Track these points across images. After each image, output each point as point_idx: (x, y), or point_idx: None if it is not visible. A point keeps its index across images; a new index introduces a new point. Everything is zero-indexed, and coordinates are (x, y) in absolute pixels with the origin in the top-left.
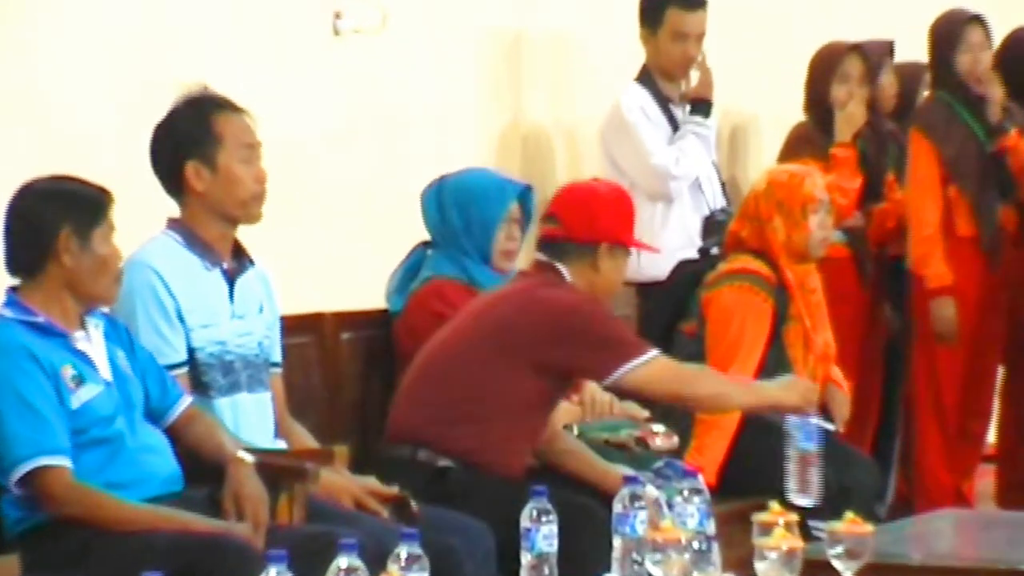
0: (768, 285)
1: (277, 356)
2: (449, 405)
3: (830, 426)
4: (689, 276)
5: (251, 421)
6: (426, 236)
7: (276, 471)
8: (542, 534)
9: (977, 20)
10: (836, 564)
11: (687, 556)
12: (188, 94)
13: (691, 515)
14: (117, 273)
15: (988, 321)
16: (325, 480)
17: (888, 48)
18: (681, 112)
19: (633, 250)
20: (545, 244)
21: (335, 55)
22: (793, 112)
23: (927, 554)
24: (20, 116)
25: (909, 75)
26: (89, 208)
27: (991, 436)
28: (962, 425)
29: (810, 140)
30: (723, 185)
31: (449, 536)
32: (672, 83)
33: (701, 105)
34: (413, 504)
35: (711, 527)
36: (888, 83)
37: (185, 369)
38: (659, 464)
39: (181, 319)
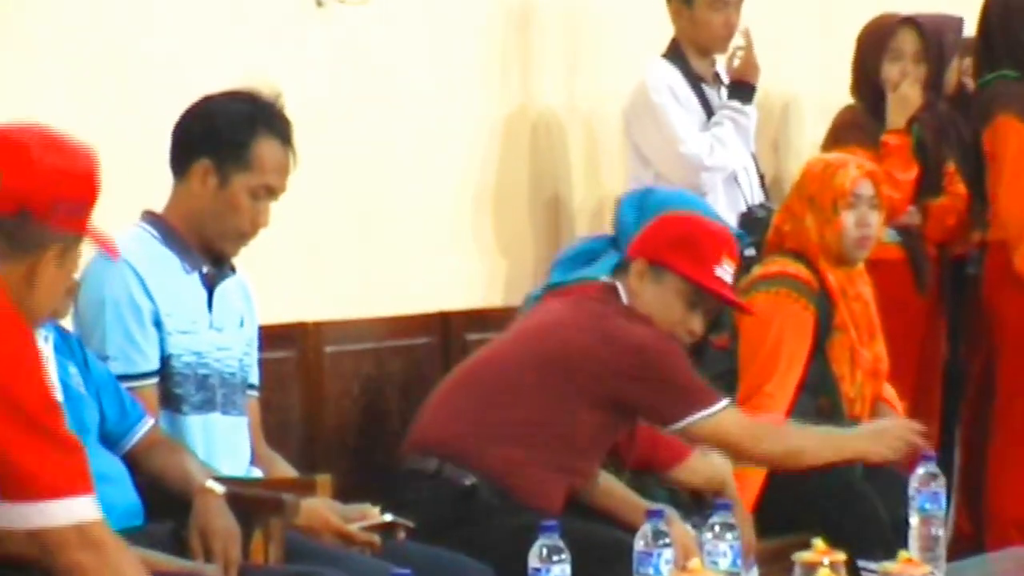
0: (808, 291)
1: (254, 378)
2: (492, 423)
3: None
4: None
5: (224, 445)
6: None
7: (250, 503)
8: (552, 575)
9: None
10: None
11: None
12: (259, 92)
13: (723, 554)
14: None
15: None
16: (306, 513)
17: (960, 26)
18: (715, 93)
19: None
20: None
21: (317, 29)
22: (840, 94)
23: None
24: None
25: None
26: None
27: None
28: None
29: (859, 126)
30: (761, 178)
31: None
32: (705, 59)
33: (743, 88)
34: (401, 534)
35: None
36: (960, 67)
37: (155, 380)
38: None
39: (157, 323)
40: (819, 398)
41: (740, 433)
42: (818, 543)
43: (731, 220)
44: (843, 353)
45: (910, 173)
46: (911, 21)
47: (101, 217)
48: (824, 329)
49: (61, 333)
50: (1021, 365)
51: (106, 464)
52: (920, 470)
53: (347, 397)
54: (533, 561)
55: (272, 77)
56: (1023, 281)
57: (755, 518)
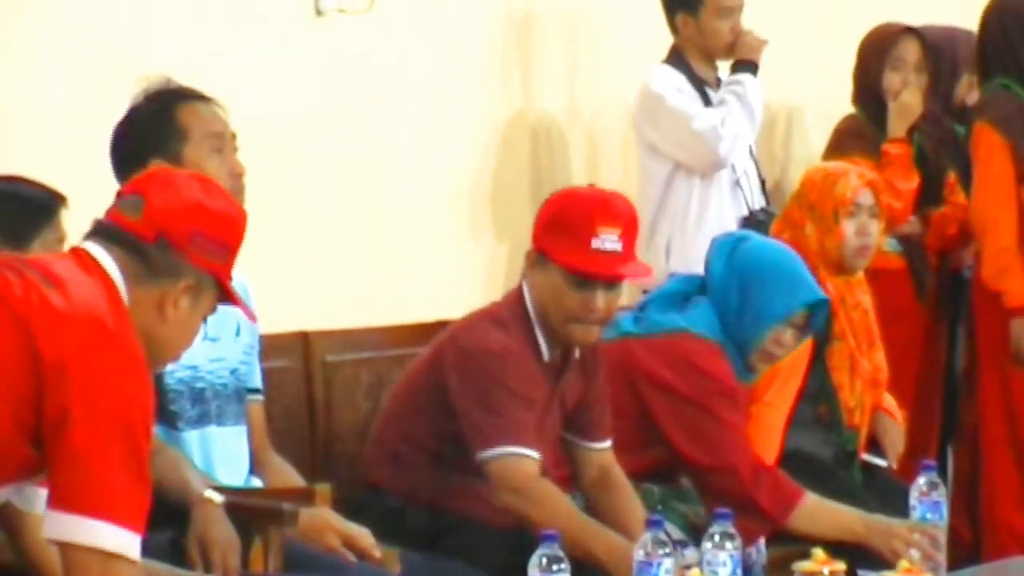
0: None
1: (256, 382)
2: (393, 441)
3: (881, 461)
4: None
5: (222, 457)
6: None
7: (249, 513)
8: None
9: None
10: None
11: None
12: (148, 88)
13: (723, 563)
14: None
15: None
16: (305, 522)
17: (967, 39)
18: (716, 96)
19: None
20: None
21: (317, 38)
22: (841, 103)
23: None
24: None
25: None
26: (29, 213)
27: None
28: None
29: (860, 134)
30: (763, 183)
31: None
32: (709, 65)
33: (743, 65)
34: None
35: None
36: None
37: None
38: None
39: None
40: (819, 407)
41: (516, 489)
42: (818, 552)
43: (733, 225)
44: (842, 362)
45: (911, 182)
46: (913, 30)
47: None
48: (823, 338)
49: None
50: (1004, 372)
51: None
52: (921, 479)
53: (347, 406)
54: (533, 571)
55: (272, 84)
56: (994, 289)
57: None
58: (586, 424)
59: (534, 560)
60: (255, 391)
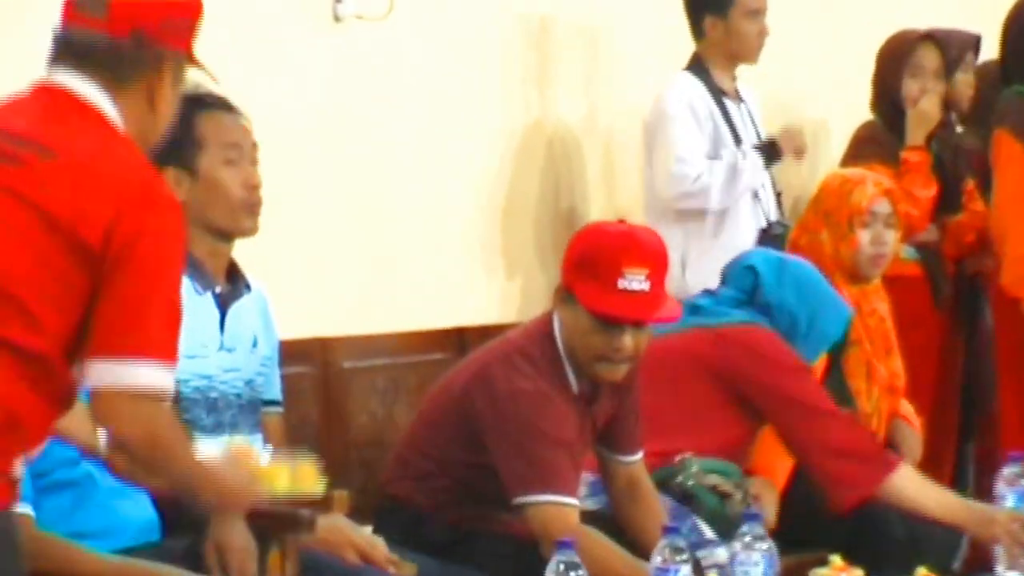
0: None
1: (275, 394)
2: (417, 463)
3: None
4: None
5: None
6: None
7: (266, 520)
8: None
9: None
10: None
11: None
12: None
13: (755, 564)
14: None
15: None
16: (324, 529)
17: (972, 42)
18: (736, 108)
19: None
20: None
21: (335, 44)
22: (860, 110)
23: None
24: None
25: (988, 75)
26: None
27: None
28: None
29: (878, 142)
30: (778, 196)
31: None
32: (729, 74)
33: (771, 150)
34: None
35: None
36: (965, 81)
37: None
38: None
39: None
40: None
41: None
42: (835, 560)
43: (751, 236)
44: (859, 368)
45: (929, 190)
46: (932, 37)
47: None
48: (839, 344)
49: None
50: (1017, 376)
51: (85, 521)
52: (1011, 469)
53: (364, 412)
54: None
55: (289, 90)
56: (1014, 296)
57: (775, 535)
58: (617, 438)
59: (552, 566)
60: (274, 403)
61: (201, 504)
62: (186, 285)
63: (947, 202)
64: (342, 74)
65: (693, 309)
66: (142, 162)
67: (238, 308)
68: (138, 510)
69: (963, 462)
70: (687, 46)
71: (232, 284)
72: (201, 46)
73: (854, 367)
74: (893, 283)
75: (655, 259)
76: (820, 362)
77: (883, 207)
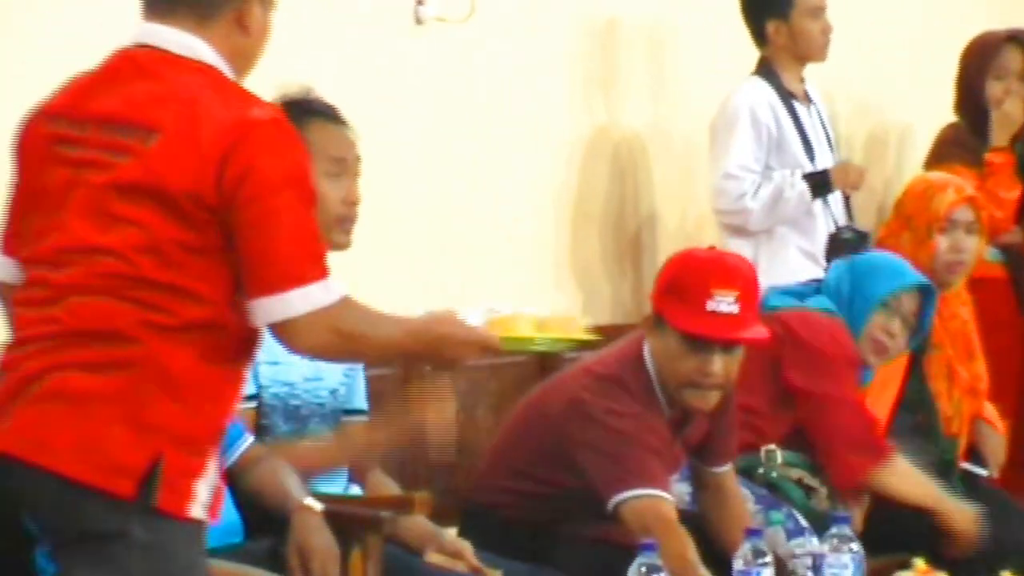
0: None
1: (360, 403)
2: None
3: (982, 471)
4: None
5: None
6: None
7: (348, 521)
8: None
9: None
10: None
11: None
12: (285, 96)
13: (844, 566)
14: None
15: None
16: (407, 530)
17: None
18: (806, 111)
19: None
20: None
21: (417, 46)
22: (944, 112)
23: None
24: None
25: None
26: None
27: None
28: None
29: (962, 144)
30: (846, 200)
31: None
32: (797, 75)
33: (821, 181)
34: None
35: None
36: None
37: (254, 404)
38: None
39: None
40: (917, 416)
41: (648, 528)
42: (919, 563)
43: (821, 240)
44: (940, 371)
45: (1014, 192)
46: (1016, 39)
47: None
48: (921, 347)
49: None
50: None
51: None
52: None
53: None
54: None
55: (371, 92)
56: None
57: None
58: (709, 453)
59: (633, 569)
60: (359, 412)
61: (425, 365)
62: None
63: None
64: (425, 76)
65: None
66: (236, 97)
67: None
68: (221, 512)
69: None
70: (752, 51)
71: None
72: (284, 50)
73: (935, 370)
74: (977, 285)
75: (744, 282)
76: (901, 365)
77: (964, 214)
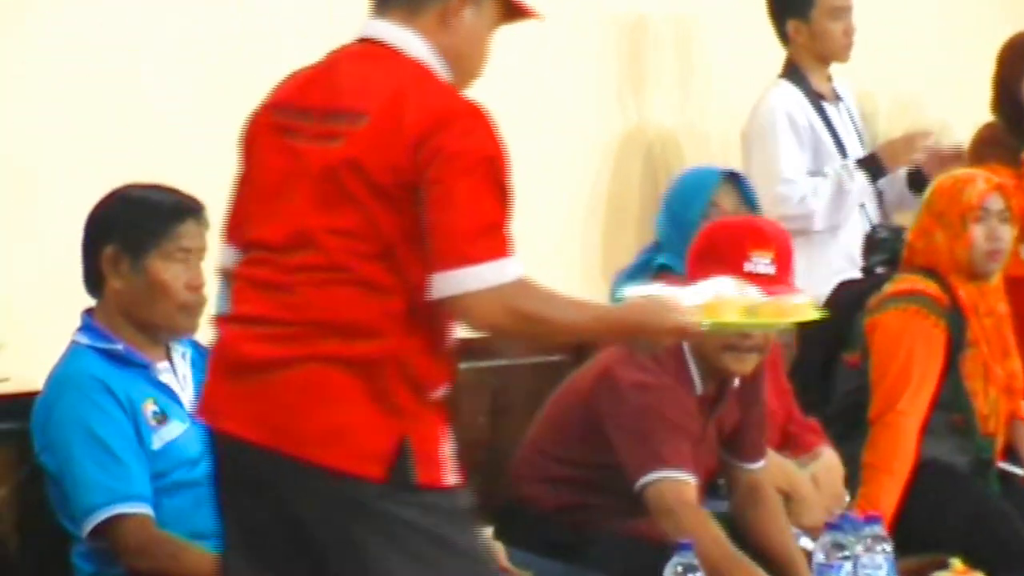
0: (939, 307)
1: None
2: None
3: (1019, 470)
4: (851, 299)
5: None
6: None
7: None
8: None
9: None
10: None
11: None
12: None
13: (879, 567)
14: (184, 301)
15: None
16: None
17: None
18: (835, 110)
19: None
20: None
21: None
22: (980, 111)
23: None
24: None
25: None
26: (150, 222)
27: None
28: None
29: (998, 143)
30: (879, 195)
31: None
32: (823, 76)
33: (874, 165)
34: None
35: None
36: None
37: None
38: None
39: None
40: (952, 415)
41: (669, 511)
42: (956, 563)
43: (857, 240)
44: (976, 369)
45: None
46: None
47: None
48: (956, 346)
49: (199, 350)
50: None
51: (205, 521)
52: None
53: (480, 413)
54: None
55: None
56: None
57: (892, 537)
58: (741, 446)
59: (669, 568)
60: None
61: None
62: None
63: None
64: None
65: None
66: (439, 89)
67: None
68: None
69: None
70: (781, 51)
71: None
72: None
73: (971, 368)
74: (1013, 284)
75: (780, 244)
76: (937, 364)
77: (995, 203)
